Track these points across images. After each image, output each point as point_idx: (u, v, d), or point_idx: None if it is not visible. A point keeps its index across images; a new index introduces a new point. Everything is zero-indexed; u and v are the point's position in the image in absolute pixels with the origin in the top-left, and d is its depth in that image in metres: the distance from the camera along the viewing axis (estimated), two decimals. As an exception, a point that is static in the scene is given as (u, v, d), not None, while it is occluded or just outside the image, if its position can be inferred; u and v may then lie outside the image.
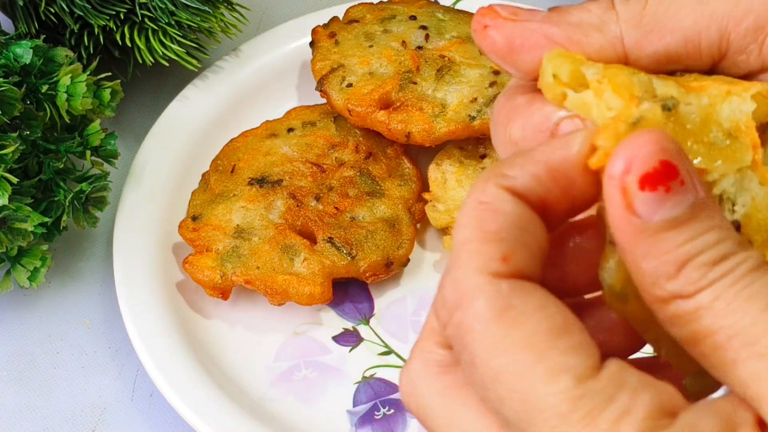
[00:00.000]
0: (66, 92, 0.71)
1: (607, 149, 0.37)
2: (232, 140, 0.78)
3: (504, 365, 0.35)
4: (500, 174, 0.37)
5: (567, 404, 0.35)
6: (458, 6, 0.84)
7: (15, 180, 0.68)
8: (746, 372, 0.35)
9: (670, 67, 0.41)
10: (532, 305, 0.36)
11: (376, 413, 0.70)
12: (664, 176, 0.35)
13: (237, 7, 0.81)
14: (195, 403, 0.67)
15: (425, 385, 0.39)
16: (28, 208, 0.68)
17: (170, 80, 0.84)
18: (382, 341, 0.73)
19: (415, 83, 0.75)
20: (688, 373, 0.38)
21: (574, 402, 0.35)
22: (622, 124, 0.37)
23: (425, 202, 0.75)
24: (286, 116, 0.79)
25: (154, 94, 0.84)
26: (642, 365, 0.38)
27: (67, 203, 0.71)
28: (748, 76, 0.41)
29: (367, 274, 0.72)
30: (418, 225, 0.76)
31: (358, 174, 0.76)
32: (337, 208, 0.74)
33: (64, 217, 0.71)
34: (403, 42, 0.77)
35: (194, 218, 0.74)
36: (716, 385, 0.38)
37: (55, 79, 0.72)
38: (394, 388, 0.71)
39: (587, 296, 0.41)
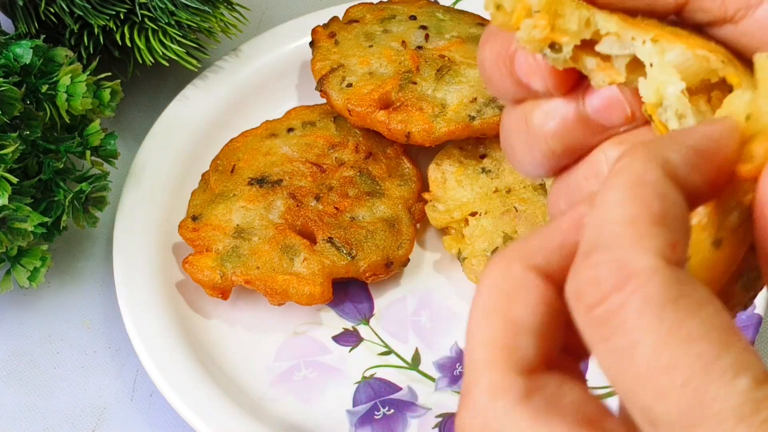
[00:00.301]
0: (66, 92, 0.71)
1: (762, 166, 0.36)
2: (232, 140, 0.78)
3: (679, 355, 0.33)
4: (661, 156, 0.36)
5: (750, 405, 0.32)
6: (458, 6, 0.84)
7: (15, 180, 0.68)
8: None
9: (631, 4, 0.41)
10: (703, 297, 0.34)
11: (376, 413, 0.70)
12: None
13: (237, 7, 0.81)
14: (195, 403, 0.67)
15: (506, 419, 0.36)
16: (28, 208, 0.68)
17: (170, 80, 0.84)
18: (382, 341, 0.73)
19: (415, 83, 0.75)
20: None
21: (757, 404, 0.32)
22: None
23: (425, 202, 0.75)
24: (286, 116, 0.79)
25: (154, 94, 0.84)
26: None
27: (67, 203, 0.71)
28: (710, 25, 0.41)
29: (367, 274, 0.72)
30: (418, 225, 0.76)
31: (358, 174, 0.76)
32: (337, 208, 0.74)
33: (64, 217, 0.71)
34: (403, 42, 0.77)
35: (194, 218, 0.74)
36: None
37: (55, 79, 0.72)
38: (393, 388, 0.71)
39: None
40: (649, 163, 0.35)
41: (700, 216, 0.38)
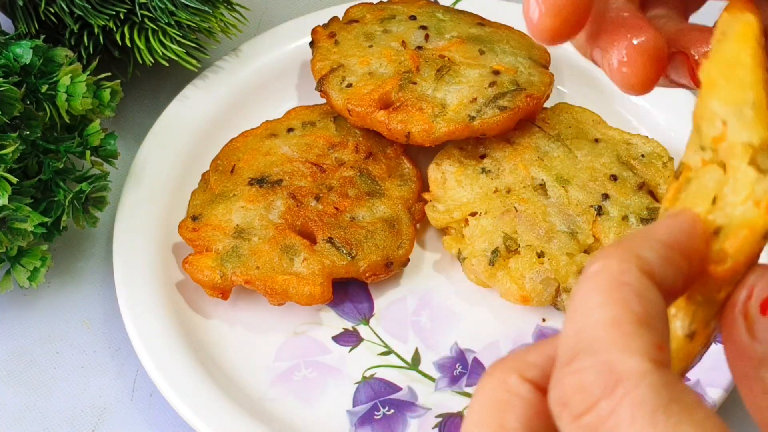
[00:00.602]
0: (66, 92, 0.71)
1: (736, 264, 0.36)
2: (232, 140, 0.78)
3: None
4: (636, 255, 0.35)
5: None
6: (458, 6, 0.84)
7: (15, 180, 0.68)
8: None
9: None
10: (694, 401, 0.33)
11: (376, 413, 0.70)
12: None
13: (237, 7, 0.81)
14: (195, 403, 0.67)
15: None
16: (28, 208, 0.68)
17: (170, 80, 0.84)
18: (382, 341, 0.73)
19: (415, 83, 0.75)
20: None
21: None
22: (755, 240, 0.36)
23: (425, 202, 0.75)
24: (286, 116, 0.79)
25: (154, 94, 0.84)
26: None
27: (67, 203, 0.71)
28: None
29: (367, 274, 0.72)
30: (418, 225, 0.76)
31: (358, 174, 0.76)
32: (336, 208, 0.74)
33: (64, 217, 0.71)
34: (403, 42, 0.77)
35: (194, 218, 0.74)
36: None
37: (55, 79, 0.72)
38: (393, 388, 0.71)
39: None
40: (625, 263, 0.35)
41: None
